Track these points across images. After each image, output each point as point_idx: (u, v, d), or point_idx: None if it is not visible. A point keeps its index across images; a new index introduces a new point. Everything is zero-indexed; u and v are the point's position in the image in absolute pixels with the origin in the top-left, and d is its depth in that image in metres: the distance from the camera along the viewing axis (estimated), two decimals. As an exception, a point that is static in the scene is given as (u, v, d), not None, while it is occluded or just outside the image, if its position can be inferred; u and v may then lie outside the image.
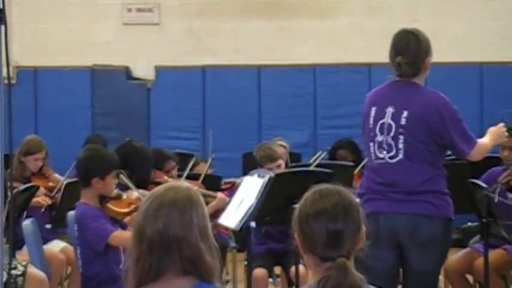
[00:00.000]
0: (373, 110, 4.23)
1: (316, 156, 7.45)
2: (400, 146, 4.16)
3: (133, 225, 2.31)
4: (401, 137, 4.16)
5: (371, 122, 4.23)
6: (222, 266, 6.44)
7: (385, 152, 4.19)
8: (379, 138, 4.21)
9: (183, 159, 6.33)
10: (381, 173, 4.19)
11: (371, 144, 4.24)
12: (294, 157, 8.05)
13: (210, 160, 6.84)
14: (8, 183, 2.25)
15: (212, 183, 5.94)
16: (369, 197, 4.18)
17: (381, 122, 4.21)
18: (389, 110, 4.19)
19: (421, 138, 4.16)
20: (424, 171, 4.16)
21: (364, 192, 4.22)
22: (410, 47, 4.22)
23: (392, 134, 4.18)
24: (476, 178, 5.02)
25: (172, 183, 2.30)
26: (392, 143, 4.17)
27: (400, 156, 4.16)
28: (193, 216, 2.22)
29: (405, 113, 4.16)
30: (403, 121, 4.16)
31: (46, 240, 5.73)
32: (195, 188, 2.34)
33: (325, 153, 8.29)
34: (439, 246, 4.19)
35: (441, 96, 4.25)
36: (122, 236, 4.45)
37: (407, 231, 4.10)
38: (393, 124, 4.18)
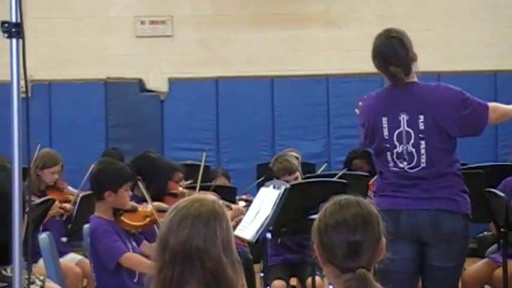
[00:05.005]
0: (384, 120, 4.16)
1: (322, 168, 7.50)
2: (422, 151, 4.11)
3: (158, 236, 2.32)
4: (422, 142, 4.10)
5: (385, 133, 4.15)
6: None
7: (405, 163, 4.13)
8: (399, 148, 4.13)
9: (196, 170, 6.33)
10: (401, 176, 4.12)
11: (388, 153, 4.16)
12: (308, 168, 8.03)
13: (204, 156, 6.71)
14: (27, 197, 2.24)
15: (227, 194, 5.93)
16: (388, 193, 4.12)
17: (397, 131, 4.14)
18: (403, 117, 4.12)
19: (442, 139, 4.12)
20: (445, 171, 4.11)
21: (383, 188, 4.16)
22: (398, 55, 4.12)
23: (412, 141, 4.11)
24: (493, 187, 4.99)
25: (198, 195, 2.31)
26: (413, 150, 4.11)
27: (422, 164, 4.11)
28: (217, 229, 2.22)
29: (421, 118, 4.10)
30: (421, 126, 4.10)
31: (62, 253, 5.73)
32: (220, 201, 2.34)
33: (325, 165, 8.37)
34: (463, 242, 4.14)
35: (446, 87, 4.21)
36: (134, 259, 4.41)
37: (429, 227, 4.04)
38: (411, 131, 4.12)
